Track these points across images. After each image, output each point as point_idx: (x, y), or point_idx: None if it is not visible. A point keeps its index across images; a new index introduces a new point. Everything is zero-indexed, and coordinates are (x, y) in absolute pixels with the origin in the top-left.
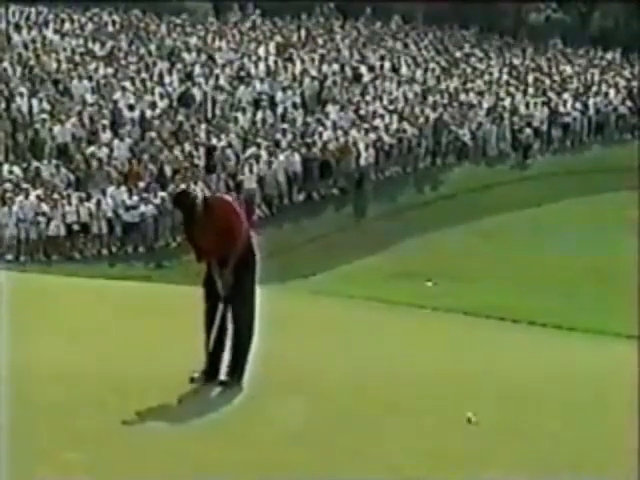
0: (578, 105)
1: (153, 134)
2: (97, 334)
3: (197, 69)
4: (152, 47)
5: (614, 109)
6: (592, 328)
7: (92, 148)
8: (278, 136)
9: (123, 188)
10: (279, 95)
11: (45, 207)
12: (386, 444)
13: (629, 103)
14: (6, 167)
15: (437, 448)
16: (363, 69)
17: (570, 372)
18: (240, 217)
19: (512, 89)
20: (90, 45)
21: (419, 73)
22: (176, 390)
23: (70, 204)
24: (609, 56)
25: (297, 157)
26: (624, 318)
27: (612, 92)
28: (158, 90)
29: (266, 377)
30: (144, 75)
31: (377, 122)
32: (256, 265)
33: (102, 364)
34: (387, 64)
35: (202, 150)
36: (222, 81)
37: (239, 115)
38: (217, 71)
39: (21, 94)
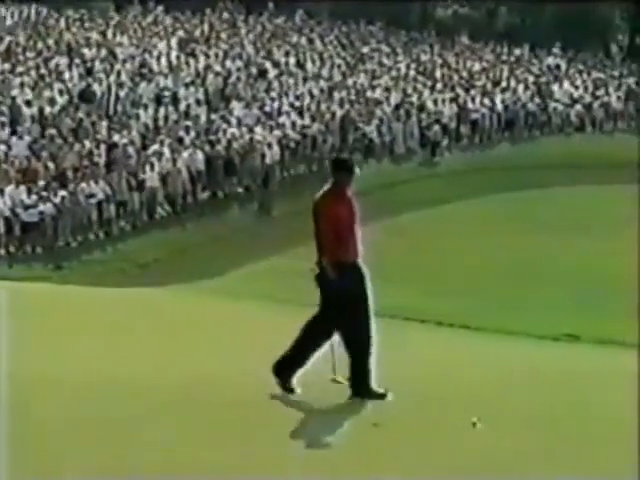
0: (486, 101)
1: (53, 131)
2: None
3: (97, 64)
4: (50, 42)
5: (523, 106)
6: (501, 328)
7: None
8: (181, 133)
9: (22, 187)
10: (182, 91)
11: None
12: (291, 445)
13: (538, 100)
14: None
15: (343, 449)
16: (268, 65)
17: (475, 371)
18: None
19: (419, 85)
20: None
21: (325, 69)
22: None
23: None
24: (517, 52)
25: (200, 155)
26: (534, 317)
27: (521, 88)
28: (57, 86)
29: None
30: (43, 71)
31: (282, 119)
32: None
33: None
34: (292, 60)
35: (103, 147)
36: (123, 77)
37: (141, 112)
38: (118, 67)
39: None
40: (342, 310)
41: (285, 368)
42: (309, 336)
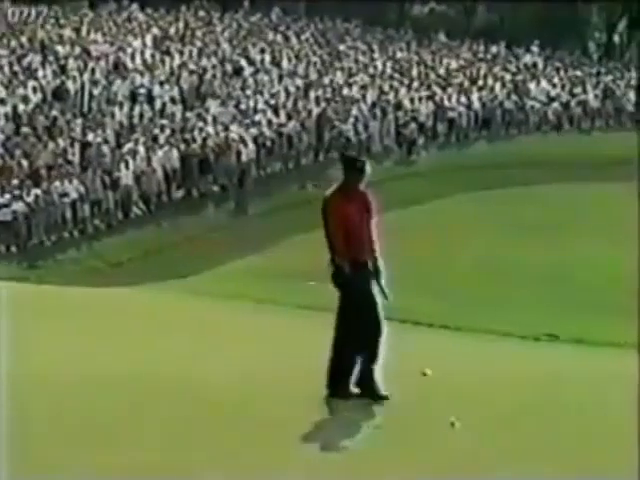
0: (463, 99)
1: (26, 129)
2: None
3: (71, 62)
4: (24, 39)
5: (500, 104)
6: (481, 328)
7: None
8: (156, 131)
9: None
10: (157, 89)
11: None
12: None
13: (515, 98)
14: None
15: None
16: (243, 62)
17: (455, 370)
18: None
19: (396, 83)
20: None
21: (301, 67)
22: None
23: None
24: (494, 50)
25: (176, 153)
26: (513, 317)
27: (498, 86)
28: (31, 84)
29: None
30: (16, 68)
31: (258, 117)
32: None
33: None
34: (267, 57)
35: (77, 146)
36: (98, 74)
37: (115, 110)
38: (92, 64)
39: None
40: (349, 310)
41: (338, 386)
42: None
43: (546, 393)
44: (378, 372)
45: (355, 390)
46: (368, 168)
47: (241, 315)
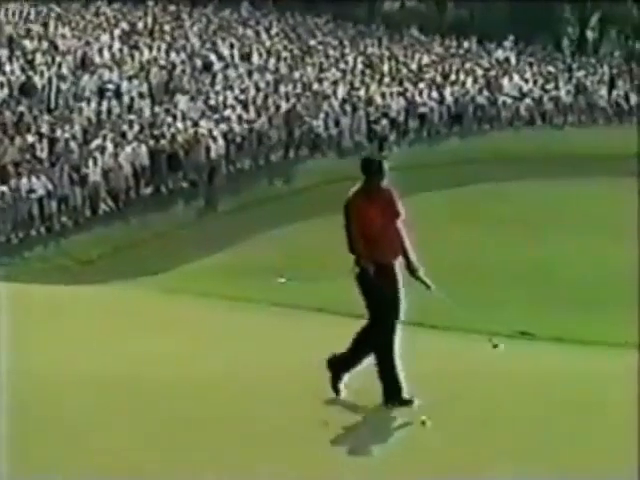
0: (435, 95)
1: None
2: None
3: (39, 57)
4: None
5: (472, 99)
6: (455, 326)
7: None
8: (124, 127)
9: None
10: (125, 84)
11: None
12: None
13: (487, 93)
14: None
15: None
16: (213, 58)
17: (429, 369)
18: None
19: (367, 79)
20: None
21: (271, 62)
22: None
23: None
24: (466, 45)
25: (144, 149)
26: (486, 315)
27: (470, 82)
28: None
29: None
30: None
31: (228, 112)
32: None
33: None
34: (237, 52)
35: (45, 142)
36: (65, 70)
37: (83, 105)
38: (59, 59)
39: None
40: (374, 310)
41: (337, 367)
42: (363, 341)
43: (537, 392)
44: (401, 376)
45: (341, 388)
46: (386, 166)
47: (218, 313)
